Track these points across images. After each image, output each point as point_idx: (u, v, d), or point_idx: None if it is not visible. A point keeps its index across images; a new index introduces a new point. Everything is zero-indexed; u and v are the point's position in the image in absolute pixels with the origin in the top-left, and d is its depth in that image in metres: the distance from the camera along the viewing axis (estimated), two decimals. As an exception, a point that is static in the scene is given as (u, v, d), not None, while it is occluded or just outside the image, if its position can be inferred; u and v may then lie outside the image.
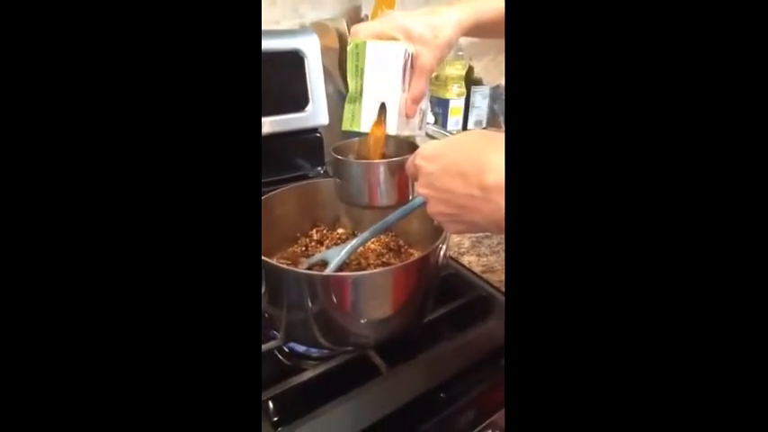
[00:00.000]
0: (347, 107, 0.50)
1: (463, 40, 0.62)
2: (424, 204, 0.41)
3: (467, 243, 0.72)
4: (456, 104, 0.99)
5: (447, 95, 0.98)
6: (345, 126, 0.51)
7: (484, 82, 1.04)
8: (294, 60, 0.80)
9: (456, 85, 0.98)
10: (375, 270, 0.54)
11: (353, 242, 0.54)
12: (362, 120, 0.49)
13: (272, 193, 0.58)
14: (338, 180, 0.48)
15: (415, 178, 0.41)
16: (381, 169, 0.45)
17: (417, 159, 0.40)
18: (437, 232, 0.50)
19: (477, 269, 0.64)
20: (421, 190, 0.40)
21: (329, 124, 0.85)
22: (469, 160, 0.35)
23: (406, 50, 0.46)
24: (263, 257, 0.45)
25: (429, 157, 0.39)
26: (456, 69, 0.98)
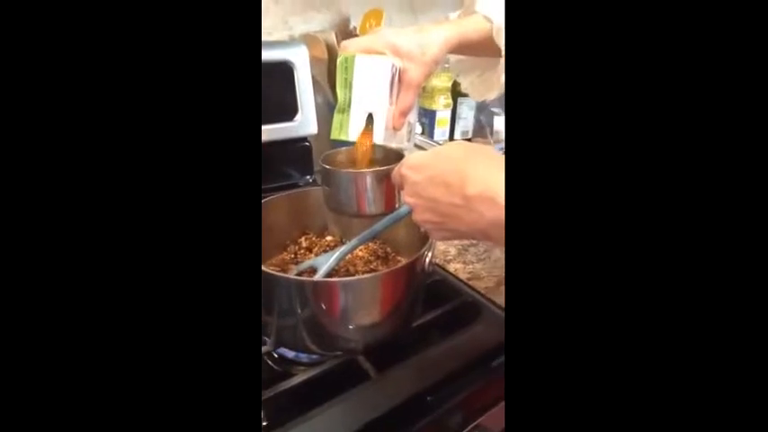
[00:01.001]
0: (336, 117, 0.51)
1: (451, 57, 0.65)
2: (410, 213, 0.43)
3: (453, 251, 0.73)
4: (442, 116, 1.02)
5: (433, 106, 1.00)
6: (334, 135, 0.52)
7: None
8: (284, 71, 0.81)
9: (442, 97, 1.01)
10: (363, 276, 0.55)
11: (342, 249, 0.55)
12: (350, 129, 0.50)
13: (263, 201, 0.59)
14: (327, 189, 0.49)
15: (402, 187, 0.42)
16: (368, 179, 0.46)
17: (403, 169, 0.41)
18: (423, 240, 0.51)
19: (463, 276, 0.65)
20: (407, 198, 0.41)
21: (318, 134, 0.86)
22: (453, 171, 0.36)
23: (393, 65, 0.48)
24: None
25: (414, 167, 0.40)
26: (442, 81, 1.00)
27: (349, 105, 0.50)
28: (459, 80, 0.70)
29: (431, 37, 0.50)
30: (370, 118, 0.50)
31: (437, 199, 0.37)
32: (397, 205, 0.48)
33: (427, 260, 0.50)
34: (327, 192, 0.49)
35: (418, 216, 0.40)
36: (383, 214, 0.49)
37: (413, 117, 0.54)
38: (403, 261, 0.62)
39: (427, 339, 0.54)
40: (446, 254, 0.72)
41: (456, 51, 0.54)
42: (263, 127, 0.81)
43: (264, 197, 0.59)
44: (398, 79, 0.49)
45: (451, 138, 1.06)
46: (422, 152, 0.42)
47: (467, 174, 0.35)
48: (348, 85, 0.49)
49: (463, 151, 0.38)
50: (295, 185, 0.87)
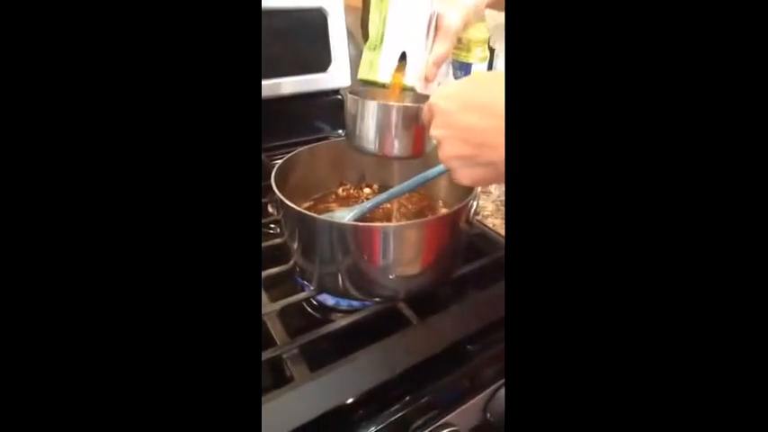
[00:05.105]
0: (365, 55, 0.48)
1: (490, 21, 0.63)
2: (443, 173, 0.40)
3: (490, 207, 0.72)
4: (478, 69, 0.97)
5: (470, 59, 0.96)
6: (362, 74, 0.49)
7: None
8: (317, 18, 0.79)
9: (479, 49, 0.96)
10: (406, 222, 0.54)
11: (365, 204, 0.54)
12: (381, 68, 0.48)
13: (311, 146, 0.58)
14: (350, 124, 0.46)
15: (430, 121, 0.39)
16: (395, 113, 0.43)
17: (433, 98, 0.38)
18: (467, 192, 0.50)
19: (501, 231, 0.64)
20: (435, 131, 0.38)
21: (351, 86, 0.84)
22: (488, 92, 0.34)
23: (431, 3, 0.45)
24: (297, 208, 0.45)
25: (446, 95, 0.37)
26: (480, 33, 0.95)
27: (381, 42, 0.47)
28: (495, 47, 0.66)
29: None
30: (402, 57, 0.47)
31: (471, 126, 0.35)
32: (425, 150, 0.46)
33: (471, 211, 0.49)
34: (350, 127, 0.46)
35: (446, 152, 0.37)
36: (408, 157, 0.46)
37: (445, 68, 0.52)
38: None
39: (467, 291, 0.53)
40: (483, 209, 0.70)
41: (497, 5, 0.51)
42: (295, 78, 0.80)
43: (295, 149, 0.58)
44: (435, 25, 0.47)
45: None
46: (453, 82, 0.39)
47: (503, 95, 0.32)
48: (382, 21, 0.47)
49: (498, 76, 0.35)
50: (326, 139, 0.86)
